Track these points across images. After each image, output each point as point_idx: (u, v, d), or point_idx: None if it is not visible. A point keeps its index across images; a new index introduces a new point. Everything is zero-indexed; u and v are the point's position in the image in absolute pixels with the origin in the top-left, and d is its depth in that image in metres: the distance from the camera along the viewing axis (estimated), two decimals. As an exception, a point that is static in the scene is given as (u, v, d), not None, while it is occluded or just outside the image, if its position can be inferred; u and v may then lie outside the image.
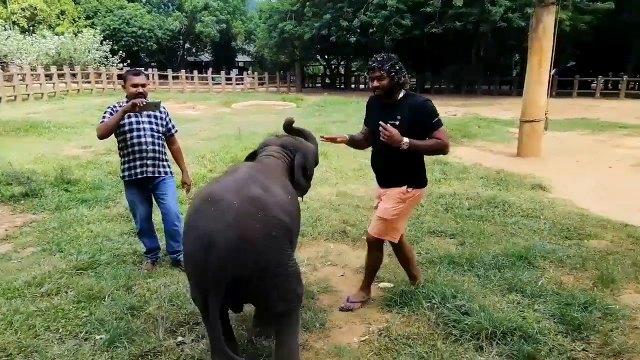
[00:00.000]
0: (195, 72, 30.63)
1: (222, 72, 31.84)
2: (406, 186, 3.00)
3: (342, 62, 38.70)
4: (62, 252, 4.21)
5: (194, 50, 46.26)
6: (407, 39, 25.38)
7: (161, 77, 28.81)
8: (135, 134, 3.65)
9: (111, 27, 34.30)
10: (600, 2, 21.94)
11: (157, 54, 39.98)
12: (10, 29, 27.89)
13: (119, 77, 3.94)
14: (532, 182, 7.02)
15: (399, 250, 3.30)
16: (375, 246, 3.22)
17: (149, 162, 3.69)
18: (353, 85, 36.01)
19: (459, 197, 6.09)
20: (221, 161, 8.30)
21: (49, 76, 21.29)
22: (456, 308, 2.97)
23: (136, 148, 3.65)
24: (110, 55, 29.92)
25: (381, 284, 3.54)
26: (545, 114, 9.08)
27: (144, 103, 3.46)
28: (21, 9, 31.04)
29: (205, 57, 47.75)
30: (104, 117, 3.61)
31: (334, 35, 26.19)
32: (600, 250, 4.27)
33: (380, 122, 2.81)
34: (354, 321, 3.04)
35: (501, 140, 11.20)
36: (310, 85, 37.66)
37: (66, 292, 3.35)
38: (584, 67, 29.41)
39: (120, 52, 30.80)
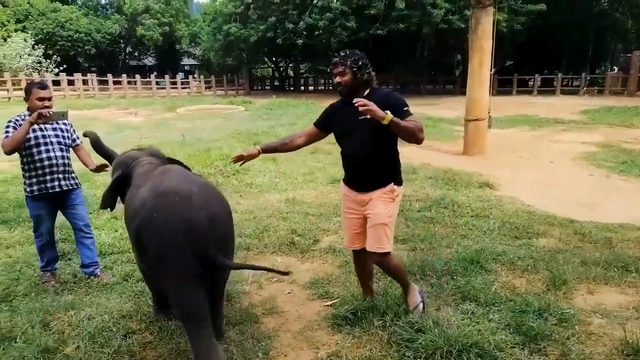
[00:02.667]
0: (138, 76, 29.40)
1: (167, 76, 30.75)
2: (392, 183, 2.80)
3: (290, 65, 38.46)
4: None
5: (136, 54, 44.53)
6: (352, 41, 25.45)
7: (101, 82, 27.48)
8: (43, 148, 3.53)
9: (44, 31, 32.36)
10: (533, 4, 22.93)
11: (97, 58, 38.17)
12: None
13: (27, 90, 3.74)
14: (479, 180, 7.04)
15: (390, 264, 2.93)
16: (362, 253, 3.02)
17: (60, 176, 3.62)
18: (302, 87, 35.85)
19: (409, 199, 5.99)
20: (162, 171, 7.81)
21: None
22: (409, 325, 2.78)
23: (45, 163, 3.54)
24: (44, 60, 28.23)
25: (329, 302, 3.31)
26: (489, 112, 9.22)
27: (50, 113, 3.30)
28: (-59, 12, 28.72)
29: (149, 60, 46.12)
30: (7, 132, 3.40)
31: (280, 37, 25.90)
32: (550, 249, 4.24)
33: (355, 100, 2.51)
34: (301, 346, 2.79)
35: (448, 139, 11.31)
36: (259, 87, 37.18)
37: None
38: (521, 65, 30.66)
39: (55, 56, 29.13)
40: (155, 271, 2.53)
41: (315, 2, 24.97)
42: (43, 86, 3.50)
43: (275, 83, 38.13)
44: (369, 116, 2.48)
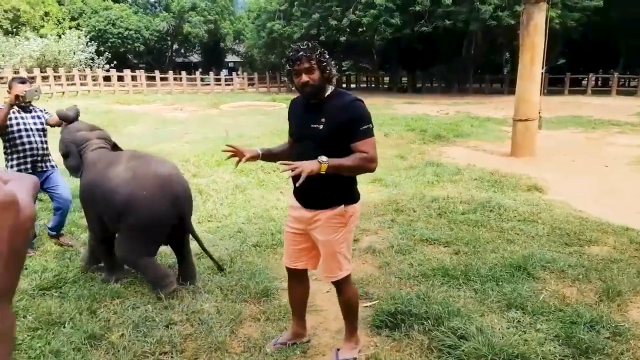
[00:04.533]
0: (184, 73, 30.19)
1: (211, 73, 31.44)
2: (343, 205, 2.38)
3: (332, 62, 38.43)
4: (26, 269, 3.89)
5: (182, 51, 45.71)
6: (397, 38, 25.21)
7: (149, 78, 28.37)
8: (24, 133, 3.98)
9: (97, 28, 33.70)
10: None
11: (145, 55, 39.42)
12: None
13: (9, 84, 4.32)
14: (527, 183, 6.78)
15: (344, 290, 2.58)
16: (303, 274, 2.69)
17: (38, 159, 4.09)
18: (344, 85, 35.76)
19: (453, 201, 5.84)
20: (206, 165, 7.97)
21: (32, 79, 20.80)
22: (451, 331, 2.69)
23: (27, 147, 4.01)
24: (97, 57, 29.42)
25: (368, 303, 3.25)
26: (539, 112, 8.87)
27: (25, 92, 3.73)
28: (4, 10, 30.37)
29: (195, 57, 47.23)
30: None
31: (323, 34, 25.92)
32: (603, 258, 4.02)
33: (280, 163, 2.24)
34: (340, 346, 2.75)
35: (494, 140, 10.97)
36: (300, 85, 37.32)
37: (24, 317, 3.03)
38: (575, 64, 29.37)
39: (107, 53, 30.31)
40: (137, 233, 3.24)
41: (359, -2, 24.83)
42: (22, 81, 3.96)
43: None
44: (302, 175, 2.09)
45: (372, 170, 2.30)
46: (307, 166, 2.11)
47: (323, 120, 2.32)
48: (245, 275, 3.62)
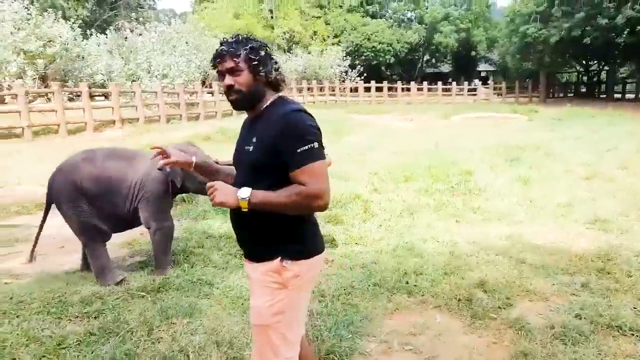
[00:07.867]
0: (425, 83, 30.16)
1: (454, 83, 30.44)
2: (280, 258, 1.71)
3: (604, 67, 32.36)
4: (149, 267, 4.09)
5: (433, 61, 45.74)
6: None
7: (391, 89, 29.38)
8: None
9: (354, 44, 36.60)
10: None
11: (396, 66, 40.88)
12: (274, 50, 32.52)
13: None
14: None
15: None
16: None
17: None
18: (619, 95, 29.63)
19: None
20: (392, 180, 7.40)
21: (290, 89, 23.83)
22: None
23: None
24: (350, 70, 31.94)
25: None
26: None
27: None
28: (283, 32, 35.91)
29: (445, 68, 46.69)
30: None
31: (589, 36, 21.91)
32: None
33: (209, 184, 1.67)
34: None
35: None
36: (560, 94, 32.66)
37: (102, 316, 3.06)
38: None
39: (359, 66, 32.56)
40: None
41: (643, -11, 20.08)
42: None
43: (582, 89, 32.80)
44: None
45: (317, 209, 1.65)
46: (222, 193, 1.62)
47: (254, 139, 1.72)
48: (328, 323, 2.95)
